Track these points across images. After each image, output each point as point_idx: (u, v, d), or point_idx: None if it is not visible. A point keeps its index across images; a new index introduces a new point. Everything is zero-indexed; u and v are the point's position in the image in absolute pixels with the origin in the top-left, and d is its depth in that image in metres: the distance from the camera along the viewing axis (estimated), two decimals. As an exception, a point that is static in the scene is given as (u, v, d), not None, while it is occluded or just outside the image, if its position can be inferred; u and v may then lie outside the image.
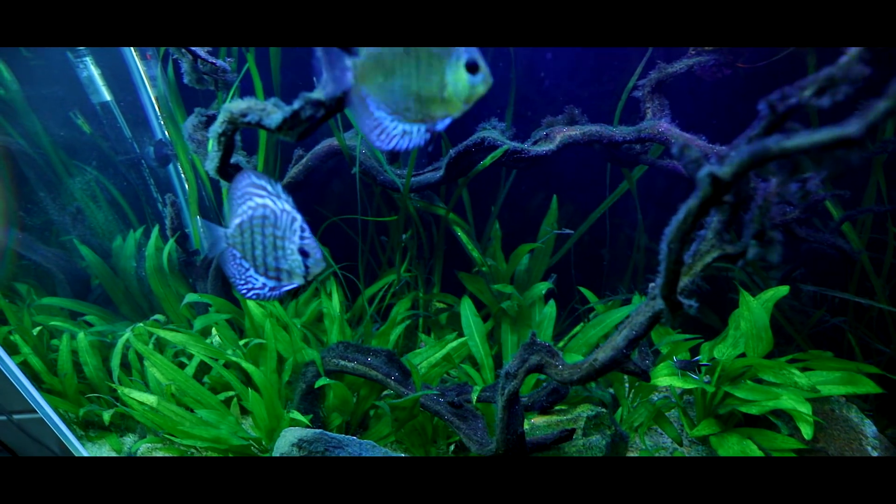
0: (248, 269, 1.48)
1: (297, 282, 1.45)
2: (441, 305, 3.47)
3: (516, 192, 3.90)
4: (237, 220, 1.46)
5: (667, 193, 3.61)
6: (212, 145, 1.82)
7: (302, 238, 1.41)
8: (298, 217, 1.41)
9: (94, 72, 3.15)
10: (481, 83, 1.22)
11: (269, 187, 1.43)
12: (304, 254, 1.41)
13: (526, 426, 2.48)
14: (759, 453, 2.44)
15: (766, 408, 2.48)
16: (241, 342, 2.98)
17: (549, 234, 3.64)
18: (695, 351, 3.07)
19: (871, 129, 1.08)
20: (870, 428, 2.76)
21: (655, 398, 3.16)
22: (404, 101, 1.26)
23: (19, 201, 3.33)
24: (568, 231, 3.45)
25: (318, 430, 2.16)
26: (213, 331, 3.00)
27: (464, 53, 1.21)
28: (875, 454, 2.61)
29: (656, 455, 2.71)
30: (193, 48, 2.46)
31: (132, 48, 3.13)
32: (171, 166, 3.46)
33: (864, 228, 3.01)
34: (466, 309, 3.09)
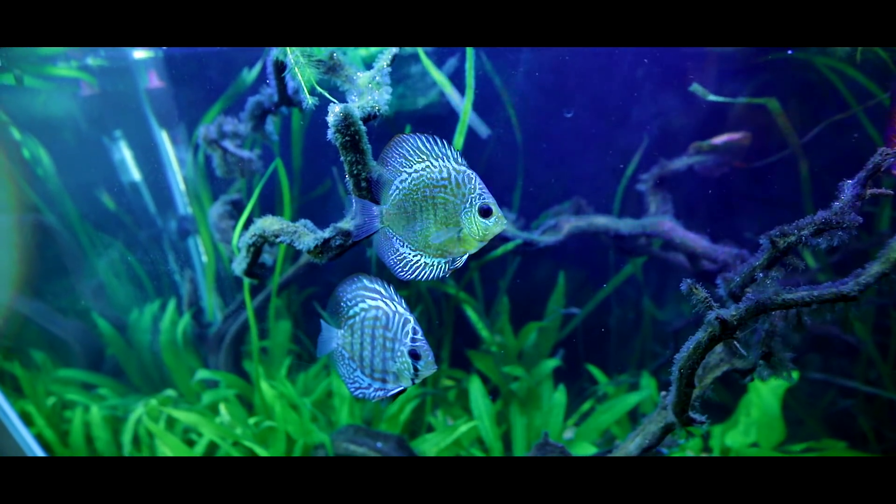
0: (355, 370, 1.49)
1: (405, 384, 1.46)
2: (450, 382, 3.48)
3: (524, 264, 3.99)
4: (349, 322, 1.47)
5: (664, 272, 3.69)
6: (241, 252, 1.92)
7: (414, 340, 1.42)
8: (412, 319, 1.43)
9: (127, 154, 3.34)
10: (495, 224, 1.34)
11: (382, 290, 1.45)
12: (414, 356, 1.42)
13: None
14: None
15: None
16: (251, 420, 2.98)
17: (555, 314, 3.70)
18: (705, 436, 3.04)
19: (866, 289, 1.16)
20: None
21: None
22: (425, 241, 1.38)
23: (43, 274, 3.45)
24: (574, 311, 3.51)
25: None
26: (222, 408, 3.01)
27: (477, 200, 1.33)
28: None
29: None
30: (223, 143, 2.64)
31: (165, 133, 3.33)
32: (190, 241, 3.60)
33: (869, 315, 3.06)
34: (475, 390, 3.10)
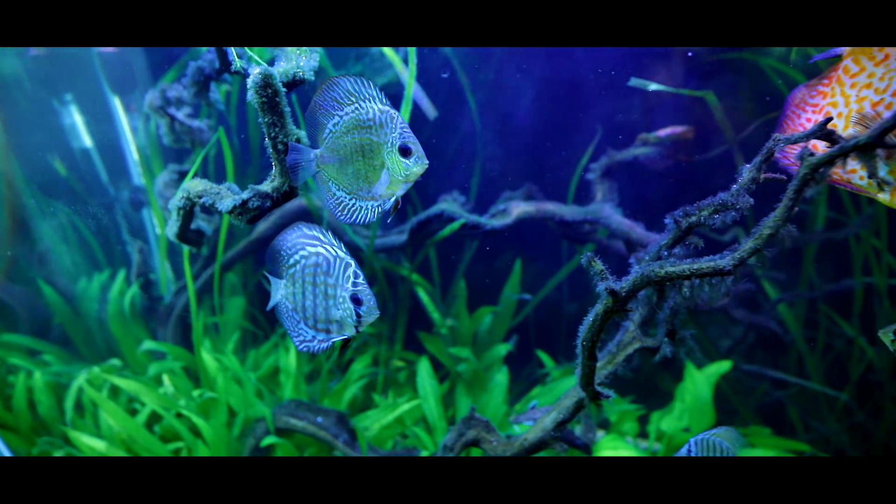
0: (298, 322, 1.42)
1: (348, 332, 1.38)
2: (401, 364, 3.52)
3: (484, 253, 4.04)
4: (290, 271, 1.41)
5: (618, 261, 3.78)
6: (172, 215, 1.92)
7: (355, 285, 1.34)
8: (353, 263, 1.36)
9: (78, 119, 3.27)
10: (415, 165, 1.35)
11: (321, 236, 1.39)
12: (356, 301, 1.34)
13: None
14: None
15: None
16: (196, 392, 2.98)
17: (509, 299, 3.76)
18: (644, 419, 3.14)
19: (740, 264, 1.23)
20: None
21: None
22: (356, 183, 1.40)
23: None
24: (527, 296, 3.57)
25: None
26: (166, 379, 3.00)
27: (397, 140, 1.35)
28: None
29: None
30: (170, 111, 2.61)
31: (118, 99, 3.28)
32: (145, 213, 3.55)
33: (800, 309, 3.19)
34: (423, 370, 3.14)
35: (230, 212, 1.61)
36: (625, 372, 1.82)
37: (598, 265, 1.37)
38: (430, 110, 2.62)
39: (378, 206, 1.44)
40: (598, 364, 1.86)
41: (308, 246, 1.40)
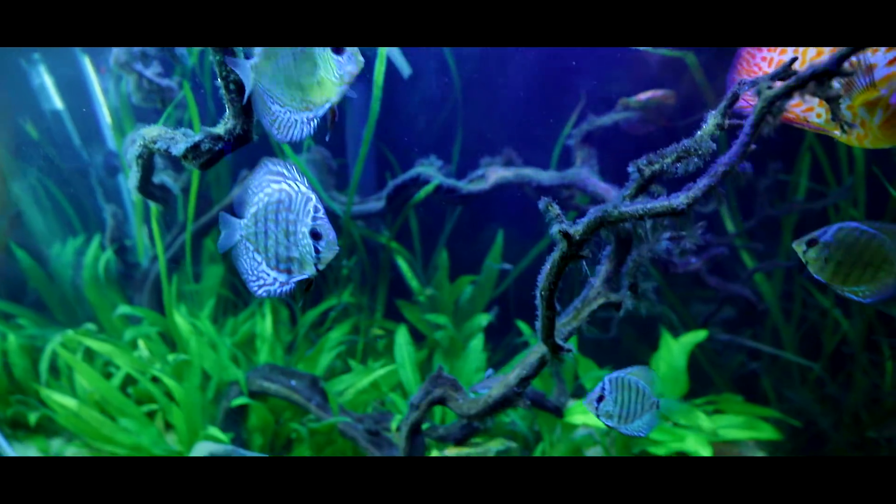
0: (260, 264, 1.37)
1: (309, 272, 1.33)
2: (380, 332, 3.52)
3: (467, 224, 4.01)
4: (252, 209, 1.36)
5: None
6: (132, 167, 1.88)
7: (315, 219, 1.29)
8: (313, 197, 1.30)
9: (47, 80, 3.19)
10: (349, 62, 1.27)
11: (285, 172, 1.33)
12: (315, 236, 1.29)
13: (436, 454, 2.52)
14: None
15: (672, 449, 2.57)
16: (171, 357, 2.97)
17: (490, 269, 3.74)
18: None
19: (694, 202, 1.21)
20: (774, 474, 2.86)
21: (582, 433, 3.22)
22: (290, 91, 1.32)
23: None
24: (507, 266, 3.56)
25: (229, 447, 2.17)
26: (141, 343, 2.99)
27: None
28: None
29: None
30: (137, 67, 2.54)
31: (87, 60, 3.19)
32: (120, 178, 3.49)
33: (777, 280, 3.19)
34: (401, 337, 3.14)
35: (184, 156, 1.57)
36: (590, 329, 1.81)
37: (555, 209, 1.34)
38: (405, 67, 2.56)
39: (313, 118, 1.34)
40: (564, 320, 1.85)
41: (272, 183, 1.35)
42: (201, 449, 2.13)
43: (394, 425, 2.65)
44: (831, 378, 3.06)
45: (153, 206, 2.41)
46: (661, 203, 1.20)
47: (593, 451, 3.20)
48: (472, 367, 2.97)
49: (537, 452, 2.95)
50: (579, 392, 3.23)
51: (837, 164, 2.83)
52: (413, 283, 3.36)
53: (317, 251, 1.31)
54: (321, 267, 1.33)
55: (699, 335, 3.03)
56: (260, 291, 1.40)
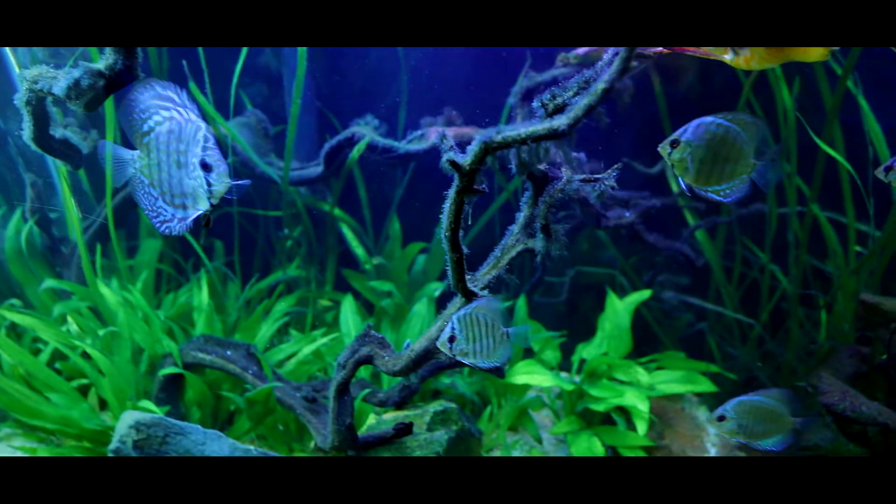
0: (157, 199, 1.30)
1: (202, 207, 1.27)
2: (328, 304, 3.44)
3: (422, 191, 3.94)
4: (144, 141, 1.27)
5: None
6: (23, 114, 1.75)
7: (204, 149, 1.23)
8: (203, 126, 1.24)
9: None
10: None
11: (176, 98, 1.26)
12: (205, 167, 1.23)
13: (373, 421, 2.49)
14: (602, 451, 2.54)
15: (611, 404, 2.59)
16: (101, 331, 2.85)
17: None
18: (567, 347, 3.16)
19: (576, 122, 1.16)
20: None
21: (531, 396, 3.24)
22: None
23: None
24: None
25: (157, 416, 2.09)
26: (69, 318, 2.85)
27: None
28: (714, 451, 2.78)
29: (512, 453, 2.77)
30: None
31: None
32: (44, 146, 3.29)
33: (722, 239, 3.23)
34: (347, 307, 3.07)
35: (67, 96, 1.45)
36: (510, 277, 1.77)
37: (450, 141, 1.29)
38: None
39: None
40: (484, 270, 1.81)
41: (162, 110, 1.26)
42: (129, 417, 2.04)
43: (331, 392, 2.60)
44: (771, 334, 3.13)
45: (61, 166, 2.27)
46: (543, 125, 1.16)
47: (543, 414, 3.22)
48: (415, 331, 2.93)
49: (485, 416, 2.94)
50: (528, 354, 3.24)
51: (775, 120, 2.85)
52: (359, 250, 3.29)
53: (208, 184, 1.25)
54: (214, 201, 1.27)
55: (643, 294, 3.05)
56: (162, 228, 1.32)
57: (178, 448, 2.01)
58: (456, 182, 1.29)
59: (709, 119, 1.31)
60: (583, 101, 1.14)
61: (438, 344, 1.54)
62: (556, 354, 3.09)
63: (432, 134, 2.77)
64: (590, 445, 2.56)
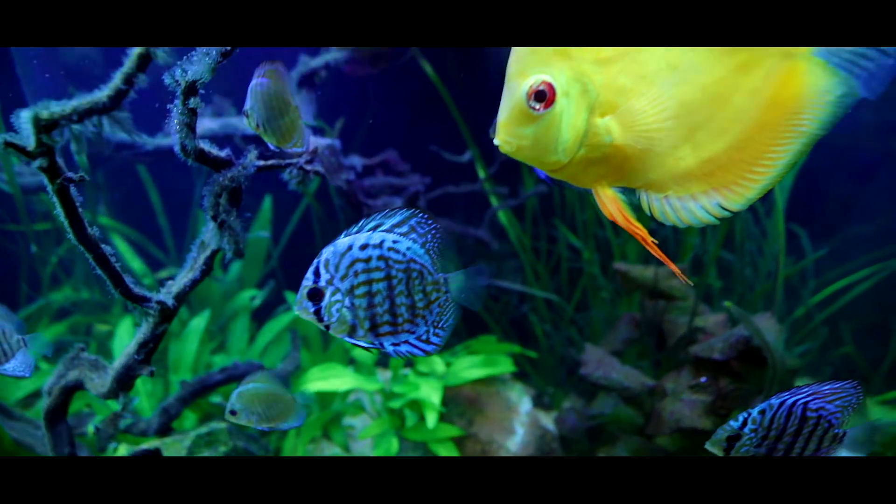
0: None
1: None
2: (105, 328, 3.01)
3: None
4: None
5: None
6: None
7: None
8: None
9: None
10: None
11: None
12: None
13: (125, 451, 2.17)
14: (396, 450, 2.43)
15: (408, 399, 2.50)
16: None
17: (258, 239, 3.41)
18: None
19: (117, 93, 1.00)
20: (525, 405, 2.97)
21: (352, 400, 3.06)
22: None
23: None
24: (263, 234, 3.25)
25: None
26: None
27: None
28: (521, 431, 2.80)
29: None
30: None
31: None
32: None
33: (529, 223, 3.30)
34: (122, 330, 2.68)
35: None
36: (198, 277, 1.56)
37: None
38: None
39: None
40: (183, 273, 1.59)
41: None
42: None
43: (90, 428, 2.23)
44: (576, 308, 3.25)
45: None
46: (87, 98, 1.00)
47: (360, 420, 3.06)
48: (191, 349, 2.62)
49: (292, 431, 2.72)
50: (383, 362, 3.09)
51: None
52: (134, 263, 2.90)
53: None
54: None
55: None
56: None
57: None
58: (40, 170, 1.06)
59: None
60: (120, 72, 0.98)
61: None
62: (400, 362, 2.95)
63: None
64: (388, 446, 2.45)
